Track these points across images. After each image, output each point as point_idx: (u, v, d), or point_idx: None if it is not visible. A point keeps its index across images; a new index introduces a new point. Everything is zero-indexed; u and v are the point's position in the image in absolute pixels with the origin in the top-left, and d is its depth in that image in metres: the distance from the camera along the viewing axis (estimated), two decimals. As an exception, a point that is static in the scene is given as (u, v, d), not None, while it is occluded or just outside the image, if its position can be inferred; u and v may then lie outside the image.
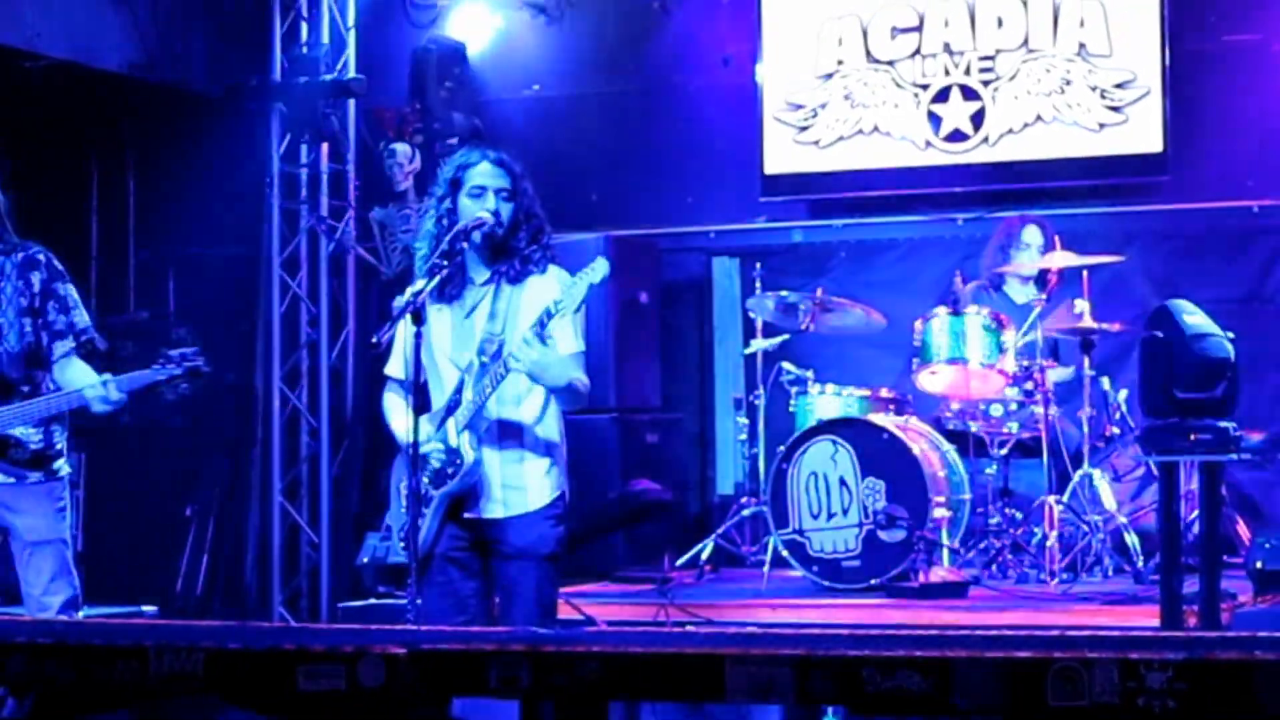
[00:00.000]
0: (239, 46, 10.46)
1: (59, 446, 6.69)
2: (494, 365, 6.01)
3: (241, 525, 10.46)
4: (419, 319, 5.96)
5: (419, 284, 6.12)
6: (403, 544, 6.21)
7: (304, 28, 10.37)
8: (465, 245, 6.07)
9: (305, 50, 10.31)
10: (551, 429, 6.19)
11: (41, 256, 6.69)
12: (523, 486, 6.11)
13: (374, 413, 10.11)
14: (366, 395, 10.35)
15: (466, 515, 6.08)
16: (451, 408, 6.09)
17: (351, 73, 10.34)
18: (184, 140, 10.71)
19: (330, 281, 10.42)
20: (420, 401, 6.05)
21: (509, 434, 6.11)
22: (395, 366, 6.27)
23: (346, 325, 10.47)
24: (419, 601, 6.14)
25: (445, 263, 6.03)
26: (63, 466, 6.71)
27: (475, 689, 4.38)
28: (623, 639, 4.39)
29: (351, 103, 10.38)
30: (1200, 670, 3.63)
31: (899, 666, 3.84)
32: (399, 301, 6.13)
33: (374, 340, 6.21)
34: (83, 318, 6.68)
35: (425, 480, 6.06)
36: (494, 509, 6.08)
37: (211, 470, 10.62)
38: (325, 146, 10.38)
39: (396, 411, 6.26)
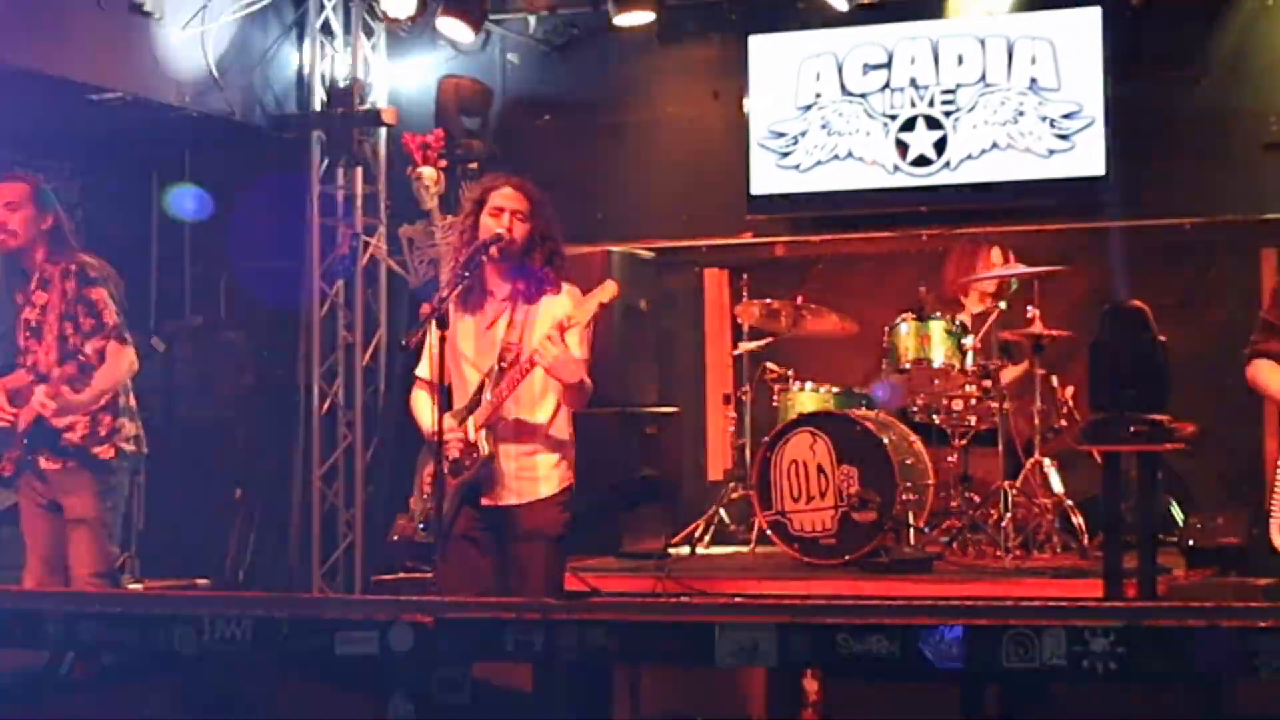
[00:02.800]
0: (283, 81, 10.44)
1: (104, 434, 6.71)
2: (512, 370, 6.03)
3: (285, 507, 10.42)
4: (443, 323, 6.02)
5: (443, 291, 6.16)
6: (422, 526, 6.29)
7: (339, 64, 10.37)
8: (484, 259, 6.08)
9: (341, 84, 10.32)
10: (561, 428, 6.21)
11: (74, 266, 6.70)
12: (534, 477, 6.16)
13: (404, 407, 10.20)
14: (397, 391, 10.27)
15: (484, 502, 6.12)
16: (472, 407, 6.12)
17: (382, 104, 10.39)
18: (234, 165, 10.72)
19: (364, 290, 10.44)
20: (444, 400, 6.11)
21: (523, 431, 6.14)
22: (424, 369, 6.26)
23: (378, 329, 10.50)
24: (440, 573, 6.23)
25: (466, 273, 6.06)
26: (109, 452, 6.73)
27: (494, 653, 4.40)
28: (625, 608, 4.45)
29: (383, 131, 10.41)
30: (1138, 635, 3.67)
31: (869, 633, 3.88)
32: (425, 308, 6.16)
33: (402, 342, 6.25)
34: (113, 316, 6.64)
35: (446, 470, 6.08)
36: (508, 497, 6.14)
37: (258, 458, 10.61)
38: (359, 170, 10.41)
39: (423, 408, 6.26)
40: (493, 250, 6.04)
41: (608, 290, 6.04)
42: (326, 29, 10.37)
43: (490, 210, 6.12)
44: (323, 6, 10.30)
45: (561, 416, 6.19)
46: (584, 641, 4.17)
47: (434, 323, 6.03)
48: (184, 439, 10.35)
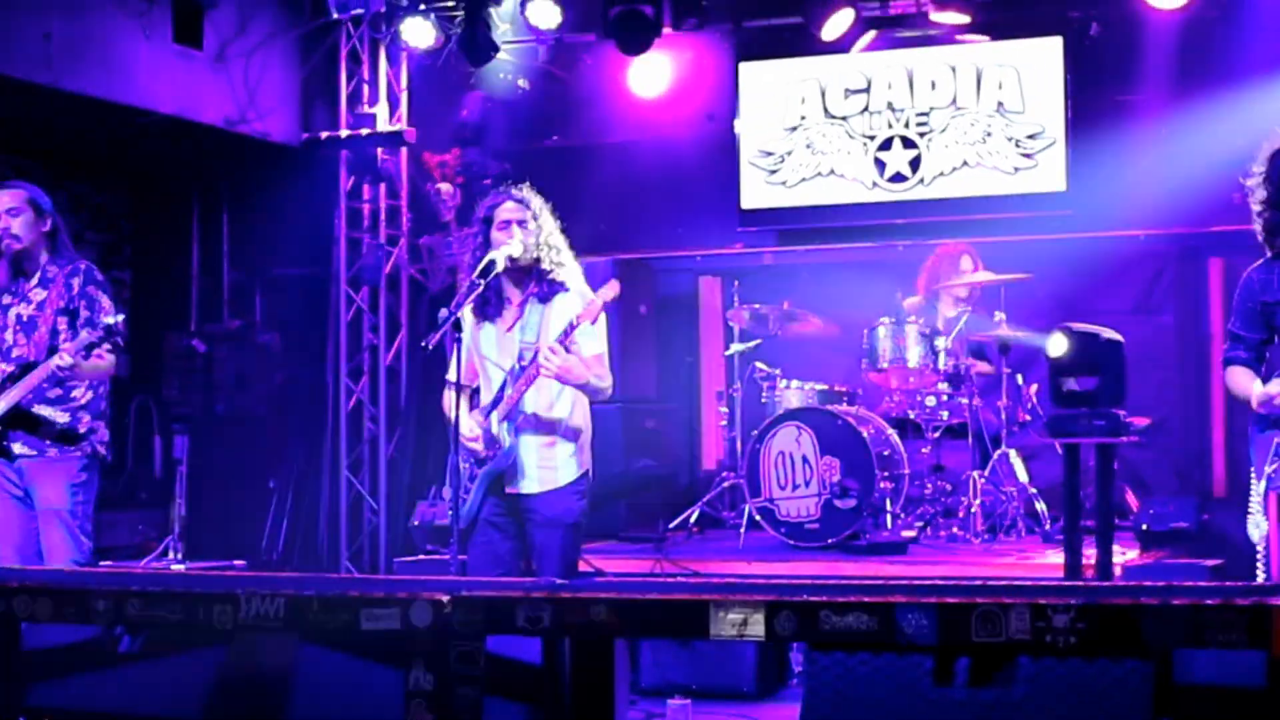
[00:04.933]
0: (314, 104, 10.47)
1: (83, 431, 6.54)
2: (530, 368, 6.02)
3: (315, 495, 10.46)
4: (459, 326, 6.01)
5: (459, 298, 6.16)
6: (453, 513, 6.21)
7: (365, 89, 10.37)
8: (496, 269, 6.07)
9: (366, 107, 10.31)
10: (578, 420, 6.19)
11: (83, 266, 6.63)
12: (553, 466, 6.13)
13: (423, 403, 10.25)
14: (418, 389, 10.42)
15: (507, 490, 6.10)
16: (495, 403, 6.12)
17: (404, 126, 10.37)
18: (268, 181, 10.75)
19: (387, 296, 10.45)
20: (472, 399, 6.20)
21: (542, 424, 6.12)
22: (452, 372, 6.22)
23: (400, 331, 10.49)
24: (463, 558, 6.18)
25: (481, 282, 6.04)
26: (85, 449, 6.53)
27: (506, 628, 4.38)
28: (626, 587, 4.44)
29: (404, 150, 10.42)
30: (1096, 612, 3.65)
31: (850, 609, 3.87)
32: (443, 314, 6.16)
33: (423, 344, 6.21)
34: (112, 317, 6.44)
35: (471, 461, 6.11)
36: (529, 485, 6.11)
37: (291, 450, 10.64)
38: (383, 186, 10.44)
39: (451, 406, 6.23)
40: (502, 261, 6.03)
41: (611, 289, 6.06)
42: (354, 57, 10.36)
43: (497, 225, 6.12)
44: (349, 36, 10.30)
45: (578, 408, 6.18)
46: (589, 617, 4.17)
47: (452, 326, 6.05)
48: (222, 434, 10.37)
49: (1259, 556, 5.57)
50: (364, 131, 10.23)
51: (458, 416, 6.03)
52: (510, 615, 4.20)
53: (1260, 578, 5.57)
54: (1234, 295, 5.83)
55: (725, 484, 9.32)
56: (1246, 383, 5.67)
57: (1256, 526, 5.53)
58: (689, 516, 9.21)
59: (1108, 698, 4.19)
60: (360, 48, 10.35)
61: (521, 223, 6.11)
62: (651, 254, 10.28)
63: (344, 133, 10.32)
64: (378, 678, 4.57)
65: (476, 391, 6.23)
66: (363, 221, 10.46)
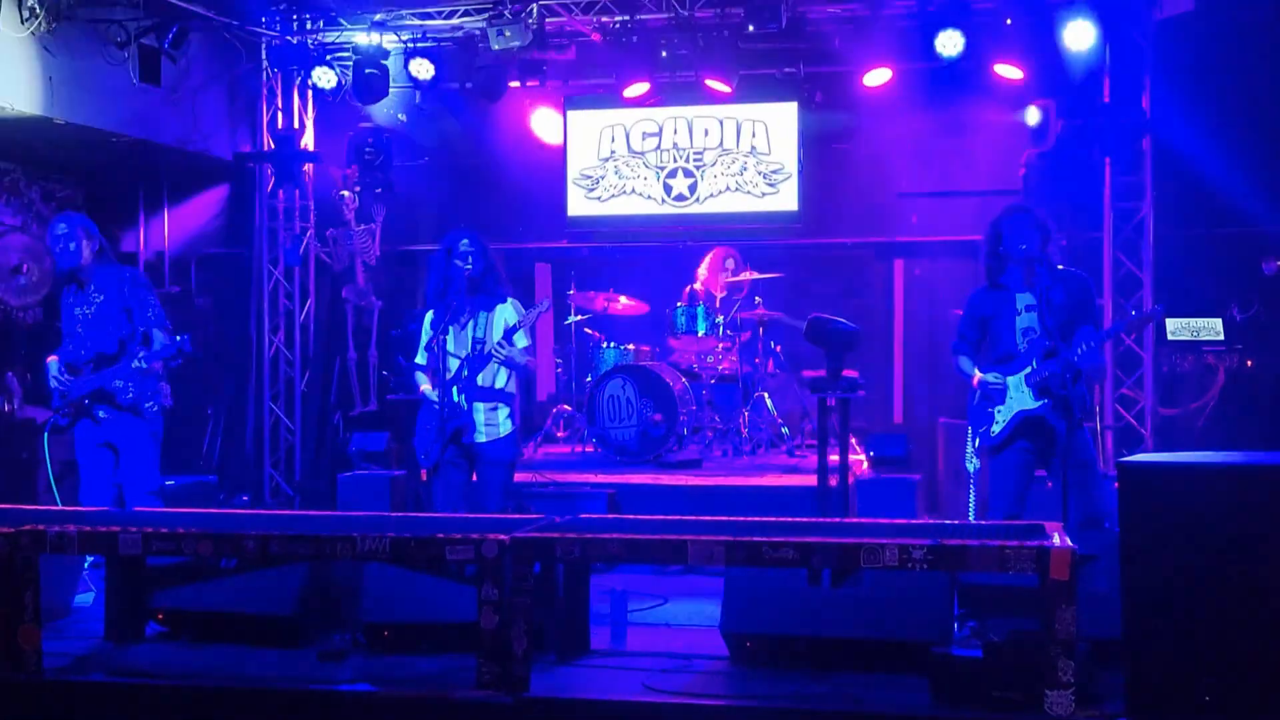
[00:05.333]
0: (242, 127, 10.42)
1: (145, 401, 6.52)
2: (480, 357, 6.31)
3: (243, 421, 10.38)
4: (440, 328, 6.33)
5: (430, 313, 6.46)
6: (423, 456, 6.45)
7: (280, 117, 10.32)
8: (456, 284, 6.36)
9: (282, 130, 10.25)
10: (513, 390, 6.42)
11: (129, 274, 6.61)
12: (496, 424, 6.36)
13: (327, 351, 10.37)
14: (323, 342, 10.35)
15: (463, 441, 6.33)
16: (455, 379, 6.34)
17: (311, 146, 10.32)
18: (207, 185, 10.78)
19: (299, 272, 10.39)
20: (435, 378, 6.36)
21: (488, 395, 6.36)
22: (421, 358, 6.50)
23: (310, 299, 10.40)
24: (431, 489, 6.42)
25: (446, 295, 6.34)
26: (149, 410, 6.51)
27: (548, 560, 4.92)
28: (628, 526, 4.83)
29: (311, 165, 10.36)
30: (941, 549, 4.30)
31: (781, 546, 4.47)
32: (429, 320, 6.46)
33: (398, 330, 6.50)
34: (158, 314, 6.55)
35: (436, 423, 6.29)
36: (479, 436, 6.33)
37: (225, 386, 10.57)
38: (296, 190, 10.36)
39: (424, 382, 6.49)
40: (460, 280, 6.34)
41: (545, 305, 6.47)
42: (273, 93, 10.31)
43: (456, 255, 6.38)
44: (269, 77, 10.22)
45: (513, 384, 6.42)
46: (606, 550, 4.77)
47: (427, 322, 6.41)
48: (170, 375, 10.34)
49: (971, 482, 6.18)
50: (283, 150, 10.14)
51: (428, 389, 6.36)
52: (551, 550, 4.78)
53: (971, 497, 6.23)
54: (964, 306, 6.09)
55: (562, 416, 9.63)
56: (968, 368, 6.02)
57: (970, 461, 6.08)
58: (536, 436, 9.41)
59: (921, 592, 5.00)
60: (277, 87, 10.27)
61: (474, 254, 6.39)
62: (501, 245, 10.26)
63: (266, 149, 10.25)
64: (462, 593, 4.94)
65: (435, 371, 6.43)
66: (279, 216, 10.35)
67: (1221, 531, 4.16)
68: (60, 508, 6.25)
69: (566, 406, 9.70)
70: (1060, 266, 5.98)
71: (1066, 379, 5.66)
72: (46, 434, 6.54)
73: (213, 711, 4.74)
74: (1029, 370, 5.85)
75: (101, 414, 6.51)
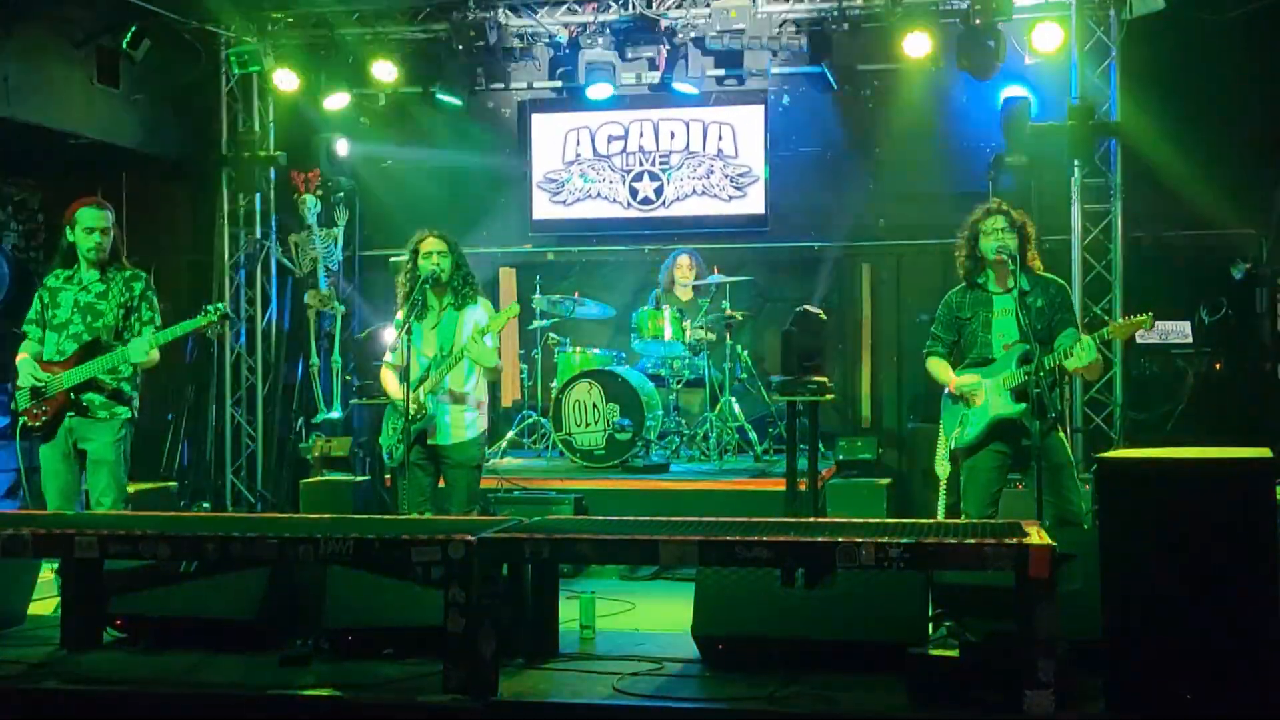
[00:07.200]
0: (203, 130, 10.25)
1: (126, 396, 6.30)
2: (449, 358, 6.24)
3: (204, 427, 10.28)
4: (406, 329, 6.26)
5: (402, 310, 6.38)
6: (387, 457, 6.44)
7: (241, 119, 10.23)
8: (425, 286, 6.33)
9: (243, 133, 10.16)
10: (481, 393, 6.41)
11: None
12: (462, 424, 6.33)
13: (292, 356, 10.25)
14: (287, 347, 10.28)
15: (430, 442, 6.29)
16: (422, 380, 6.29)
17: (273, 150, 10.22)
18: (168, 188, 10.61)
19: (260, 277, 10.31)
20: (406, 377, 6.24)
21: (455, 396, 6.32)
22: (391, 357, 6.44)
23: (271, 304, 10.34)
24: (398, 488, 6.36)
25: (416, 297, 6.28)
26: (126, 411, 6.28)
27: (516, 561, 4.81)
28: (605, 527, 4.70)
29: (273, 169, 10.25)
30: (917, 548, 4.23)
31: (755, 545, 4.37)
32: (397, 321, 6.39)
33: (362, 335, 6.46)
34: (158, 317, 6.45)
35: (402, 423, 6.21)
36: (444, 437, 6.30)
37: (186, 391, 10.46)
38: (258, 195, 10.26)
39: (391, 381, 6.43)
40: (428, 280, 6.30)
41: (514, 309, 6.46)
42: (234, 96, 10.20)
43: (423, 255, 6.34)
44: (229, 80, 10.10)
45: (481, 386, 6.40)
46: (576, 551, 4.66)
47: (398, 323, 6.34)
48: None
49: (942, 486, 6.13)
50: (245, 154, 10.07)
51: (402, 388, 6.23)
52: (519, 550, 4.69)
53: (940, 499, 6.16)
54: (938, 307, 6.02)
55: (527, 419, 9.49)
56: (942, 371, 5.95)
57: (940, 465, 6.07)
58: (499, 442, 9.22)
59: (895, 593, 4.93)
60: (237, 90, 10.17)
61: (441, 254, 6.36)
62: (467, 250, 10.28)
63: (226, 153, 10.15)
64: (426, 597, 4.77)
65: (408, 369, 6.29)
66: (240, 220, 10.25)
67: (1201, 526, 4.09)
68: (16, 511, 6.09)
69: (532, 412, 9.56)
70: (1040, 271, 5.93)
71: (1045, 383, 5.60)
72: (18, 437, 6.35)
73: (171, 719, 4.60)
74: (1008, 374, 5.79)
75: (85, 404, 6.25)
